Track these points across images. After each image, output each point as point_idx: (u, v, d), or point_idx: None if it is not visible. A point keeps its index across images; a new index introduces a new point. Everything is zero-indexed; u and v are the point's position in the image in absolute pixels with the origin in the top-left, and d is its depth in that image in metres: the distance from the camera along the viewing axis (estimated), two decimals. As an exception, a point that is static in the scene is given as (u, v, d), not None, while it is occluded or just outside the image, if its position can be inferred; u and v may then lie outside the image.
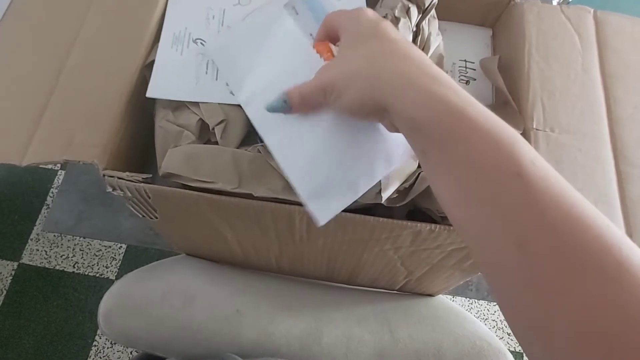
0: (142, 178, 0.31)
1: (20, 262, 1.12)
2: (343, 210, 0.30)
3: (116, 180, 0.30)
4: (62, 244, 1.15)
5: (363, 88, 0.22)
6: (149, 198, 0.32)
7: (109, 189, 0.32)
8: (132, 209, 0.35)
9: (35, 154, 0.32)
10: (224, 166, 0.31)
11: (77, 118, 0.33)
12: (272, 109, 0.28)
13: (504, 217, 0.17)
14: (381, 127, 0.28)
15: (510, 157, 0.18)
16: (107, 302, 0.37)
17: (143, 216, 0.37)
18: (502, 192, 0.17)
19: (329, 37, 0.28)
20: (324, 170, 0.28)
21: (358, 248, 0.36)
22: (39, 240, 1.15)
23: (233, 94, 0.33)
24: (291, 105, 0.27)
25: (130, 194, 0.32)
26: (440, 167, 0.20)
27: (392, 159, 0.28)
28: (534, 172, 0.17)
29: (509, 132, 0.19)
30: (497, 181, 0.18)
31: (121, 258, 1.14)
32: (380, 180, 0.29)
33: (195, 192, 0.30)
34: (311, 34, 0.33)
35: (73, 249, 1.15)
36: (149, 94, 0.33)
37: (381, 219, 0.30)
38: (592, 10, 0.38)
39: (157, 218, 0.36)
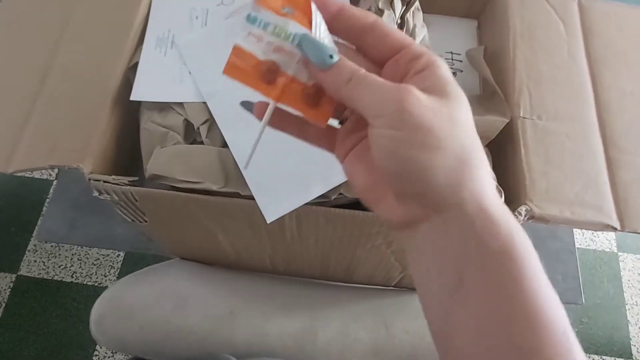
0: (128, 181, 0.30)
1: (18, 273, 1.11)
2: (333, 206, 0.30)
3: (102, 184, 0.30)
4: (59, 254, 1.14)
5: (424, 145, 0.16)
6: (136, 201, 0.32)
7: (95, 193, 0.31)
8: (120, 213, 0.35)
9: (21, 161, 0.32)
10: (210, 166, 0.30)
11: (61, 123, 0.32)
12: (317, 54, 0.17)
13: None
14: None
15: (565, 332, 0.16)
16: (98, 308, 0.37)
17: (132, 220, 0.36)
18: None
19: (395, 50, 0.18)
20: (279, 171, 0.29)
21: (350, 244, 0.36)
22: (36, 251, 1.14)
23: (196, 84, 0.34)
24: (334, 69, 0.17)
25: (117, 198, 0.32)
26: (479, 302, 0.16)
27: None
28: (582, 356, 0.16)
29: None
30: (548, 348, 0.15)
31: (119, 266, 1.14)
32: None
33: (183, 193, 0.30)
34: None
35: (71, 259, 1.14)
36: (133, 97, 0.33)
37: (370, 212, 0.29)
38: (576, -2, 0.38)
39: (146, 222, 0.36)
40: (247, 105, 0.20)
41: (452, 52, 0.40)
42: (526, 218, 0.29)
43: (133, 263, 1.12)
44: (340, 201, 0.30)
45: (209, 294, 0.38)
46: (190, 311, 0.36)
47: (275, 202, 0.28)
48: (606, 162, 0.32)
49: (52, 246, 1.13)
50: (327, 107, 0.19)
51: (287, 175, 0.29)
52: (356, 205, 0.31)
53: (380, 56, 0.18)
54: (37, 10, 0.37)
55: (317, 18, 0.17)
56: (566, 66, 0.34)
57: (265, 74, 0.18)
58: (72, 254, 1.13)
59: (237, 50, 0.18)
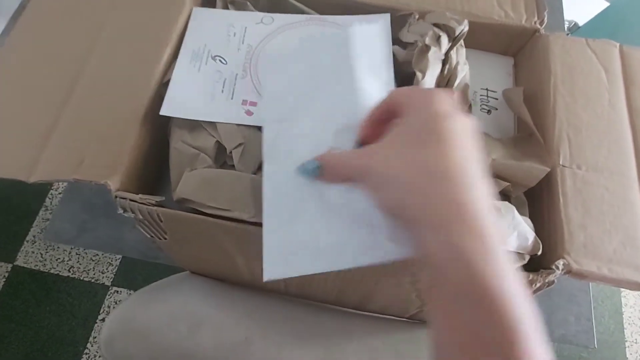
0: (156, 201, 0.29)
1: (15, 264, 1.10)
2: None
3: (128, 203, 0.29)
4: (58, 247, 1.13)
5: (399, 200, 0.21)
6: (161, 221, 0.31)
7: (120, 211, 0.30)
8: (140, 229, 0.34)
9: (44, 172, 0.31)
10: (241, 194, 0.29)
11: (89, 136, 0.31)
12: (304, 171, 0.26)
13: None
14: (375, 220, 0.25)
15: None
16: (109, 327, 0.36)
17: (151, 236, 0.35)
18: None
19: (389, 112, 0.24)
20: (301, 231, 0.26)
21: (372, 281, 0.35)
22: (34, 242, 1.13)
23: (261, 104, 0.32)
24: (323, 173, 0.25)
25: (141, 217, 0.31)
26: (439, 313, 0.20)
27: (375, 255, 0.26)
28: None
29: (526, 325, 0.18)
30: None
31: (118, 264, 1.12)
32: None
33: (211, 219, 0.29)
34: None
35: (69, 253, 1.13)
36: (163, 111, 0.32)
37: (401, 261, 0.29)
38: (618, 45, 0.37)
39: (165, 239, 0.35)
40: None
41: (487, 89, 0.40)
42: (563, 272, 0.28)
43: (132, 261, 1.11)
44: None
45: (223, 317, 0.37)
46: (204, 336, 0.35)
47: (280, 263, 0.26)
48: (644, 218, 0.31)
49: (51, 238, 1.12)
50: None
51: (306, 239, 0.26)
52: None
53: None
54: (69, 15, 0.36)
55: None
56: (607, 115, 0.34)
57: None
58: (71, 248, 1.11)
59: None
